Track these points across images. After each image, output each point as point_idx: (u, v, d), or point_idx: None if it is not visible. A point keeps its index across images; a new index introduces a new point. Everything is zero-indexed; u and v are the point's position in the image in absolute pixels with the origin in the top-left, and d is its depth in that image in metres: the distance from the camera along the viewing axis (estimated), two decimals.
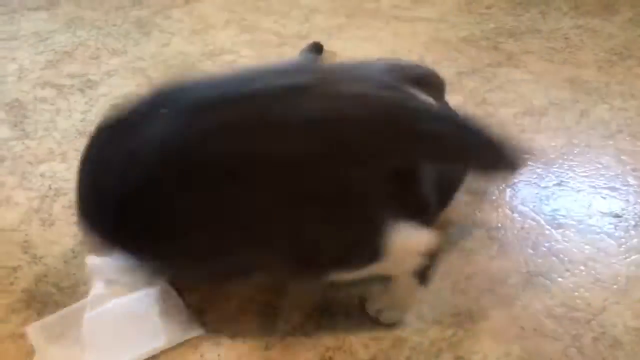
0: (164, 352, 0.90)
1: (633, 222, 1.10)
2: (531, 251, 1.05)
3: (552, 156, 1.28)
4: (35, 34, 1.90)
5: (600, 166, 1.25)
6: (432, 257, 0.84)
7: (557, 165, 1.26)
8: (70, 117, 1.46)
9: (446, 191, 1.04)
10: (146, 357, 0.89)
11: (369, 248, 0.79)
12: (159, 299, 0.95)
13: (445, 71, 1.59)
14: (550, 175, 1.23)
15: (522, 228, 1.10)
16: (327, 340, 0.92)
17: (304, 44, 1.79)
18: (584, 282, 0.98)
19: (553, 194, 1.18)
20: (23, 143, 1.37)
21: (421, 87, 1.04)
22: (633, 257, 1.03)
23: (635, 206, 1.14)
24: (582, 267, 1.01)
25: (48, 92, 1.57)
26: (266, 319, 0.95)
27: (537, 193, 1.18)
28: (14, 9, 2.09)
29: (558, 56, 1.68)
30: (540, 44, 1.75)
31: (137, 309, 0.94)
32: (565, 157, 1.28)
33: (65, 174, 1.27)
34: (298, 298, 0.97)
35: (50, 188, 1.23)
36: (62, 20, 2.00)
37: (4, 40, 1.86)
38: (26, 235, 1.13)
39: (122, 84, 1.61)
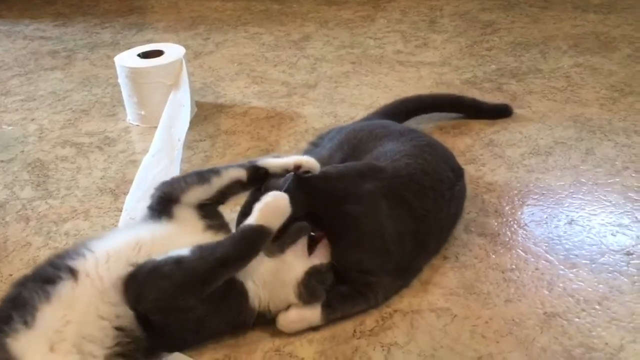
0: None
1: None
2: (547, 292, 1.07)
3: (561, 195, 1.32)
4: (53, 93, 1.97)
5: (608, 204, 1.28)
6: None
7: (566, 205, 1.29)
8: (91, 174, 1.51)
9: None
10: None
11: None
12: None
13: (451, 114, 1.65)
14: (560, 214, 1.26)
15: (537, 269, 1.12)
16: None
17: (312, 92, 1.85)
18: (600, 322, 1.00)
19: (565, 232, 1.21)
20: (47, 202, 1.41)
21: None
22: None
23: None
24: (597, 307, 1.04)
25: (68, 151, 1.62)
26: None
27: (549, 233, 1.21)
28: (30, 70, 2.17)
29: (560, 95, 1.73)
30: (542, 83, 1.80)
31: None
32: (574, 196, 1.31)
33: (88, 231, 1.31)
34: None
35: None
36: (77, 79, 2.07)
37: (23, 101, 1.92)
38: None
39: (139, 139, 1.66)
